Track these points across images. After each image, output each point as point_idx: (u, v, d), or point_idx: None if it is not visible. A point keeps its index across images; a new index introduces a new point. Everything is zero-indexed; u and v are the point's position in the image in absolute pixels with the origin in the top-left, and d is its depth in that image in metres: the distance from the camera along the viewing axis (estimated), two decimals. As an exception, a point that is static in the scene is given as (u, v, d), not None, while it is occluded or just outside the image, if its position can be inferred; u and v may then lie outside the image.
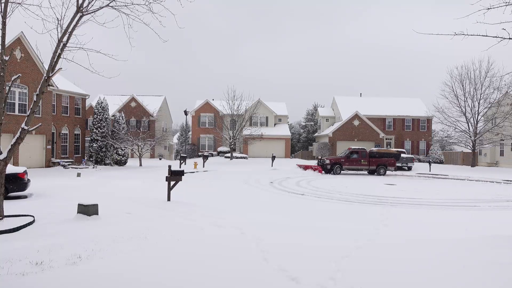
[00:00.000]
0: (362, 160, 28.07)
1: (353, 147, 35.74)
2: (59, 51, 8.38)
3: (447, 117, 37.06)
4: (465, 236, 7.48)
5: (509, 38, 6.70)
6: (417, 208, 12.03)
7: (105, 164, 29.71)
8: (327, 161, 27.75)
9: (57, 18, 8.22)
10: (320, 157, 30.98)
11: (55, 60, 8.39)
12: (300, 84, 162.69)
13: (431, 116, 42.90)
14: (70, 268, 4.95)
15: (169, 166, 12.24)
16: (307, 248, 6.20)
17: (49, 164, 25.78)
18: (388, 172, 28.43)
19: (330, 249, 6.14)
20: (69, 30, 8.37)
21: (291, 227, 8.04)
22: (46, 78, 8.41)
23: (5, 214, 8.32)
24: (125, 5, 8.44)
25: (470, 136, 36.17)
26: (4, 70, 8.21)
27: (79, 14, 8.43)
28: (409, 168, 31.11)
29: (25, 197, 12.40)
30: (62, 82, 29.39)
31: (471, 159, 36.81)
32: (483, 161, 41.25)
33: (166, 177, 11.77)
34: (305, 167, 28.92)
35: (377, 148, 35.70)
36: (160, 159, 46.70)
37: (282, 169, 28.69)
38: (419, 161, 41.45)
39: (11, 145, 8.26)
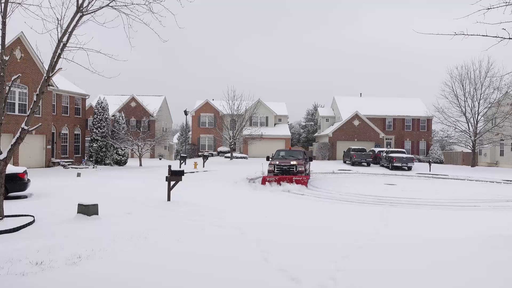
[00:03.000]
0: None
1: (352, 147, 35.80)
2: (59, 51, 8.39)
3: (447, 117, 37.03)
4: (465, 236, 7.47)
5: (509, 38, 6.70)
6: (417, 208, 12.03)
7: (105, 164, 29.71)
8: (300, 168, 17.96)
9: (57, 18, 8.22)
10: (275, 160, 18.97)
11: (55, 60, 8.39)
12: (300, 84, 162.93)
13: (431, 116, 42.89)
14: (70, 268, 4.95)
15: (169, 166, 12.24)
16: (307, 248, 6.20)
17: (49, 164, 25.78)
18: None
19: (330, 249, 6.14)
20: (69, 30, 8.37)
21: (291, 227, 8.04)
22: (46, 78, 8.41)
23: (5, 214, 8.33)
24: (125, 5, 8.45)
25: (470, 136, 36.14)
26: (4, 70, 8.21)
27: (79, 14, 8.44)
28: (409, 168, 31.09)
29: (25, 197, 12.40)
30: (62, 82, 29.38)
31: (471, 159, 36.79)
32: (483, 161, 41.24)
33: (166, 177, 11.78)
34: (267, 180, 17.11)
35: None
36: (160, 159, 46.68)
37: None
38: (419, 161, 41.44)
39: (11, 145, 8.27)
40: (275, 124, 48.15)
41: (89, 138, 30.88)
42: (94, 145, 29.74)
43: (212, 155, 44.16)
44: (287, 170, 17.90)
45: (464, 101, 36.33)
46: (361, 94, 53.12)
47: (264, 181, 17.03)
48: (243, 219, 8.83)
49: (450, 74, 37.70)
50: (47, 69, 8.42)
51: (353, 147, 35.51)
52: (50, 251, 5.65)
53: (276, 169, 18.14)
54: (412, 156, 32.49)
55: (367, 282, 4.63)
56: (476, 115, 35.88)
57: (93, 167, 26.49)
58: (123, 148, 30.60)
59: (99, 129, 30.01)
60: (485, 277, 4.85)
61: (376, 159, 35.59)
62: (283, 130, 46.80)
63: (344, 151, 38.61)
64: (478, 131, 35.74)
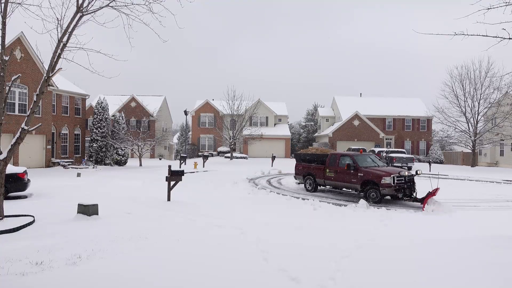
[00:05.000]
0: None
1: (352, 147, 35.79)
2: (59, 51, 8.38)
3: (447, 117, 37.04)
4: (465, 236, 7.47)
5: (509, 38, 6.70)
6: (416, 208, 12.01)
7: (105, 164, 29.69)
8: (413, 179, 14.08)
9: (57, 18, 8.22)
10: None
11: (55, 60, 8.39)
12: (300, 84, 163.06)
13: (431, 116, 42.89)
14: (70, 268, 4.94)
15: (169, 166, 12.24)
16: (307, 248, 6.19)
17: (49, 164, 25.77)
18: None
19: (330, 249, 6.14)
20: (69, 30, 8.37)
21: (291, 227, 8.04)
22: (46, 78, 8.41)
23: (5, 214, 8.32)
24: (125, 5, 8.44)
25: (470, 136, 36.14)
26: (4, 70, 8.21)
27: (79, 14, 8.44)
28: (409, 168, 31.08)
29: (25, 197, 12.40)
30: (62, 82, 29.38)
31: (471, 159, 36.79)
32: (483, 161, 41.24)
33: (166, 177, 11.77)
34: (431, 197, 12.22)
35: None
36: (160, 159, 46.68)
37: (282, 169, 28.64)
38: (419, 161, 41.45)
39: (11, 145, 8.27)
40: (275, 124, 48.14)
41: (89, 138, 30.87)
42: (94, 145, 29.73)
43: (212, 155, 44.16)
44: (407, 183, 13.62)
45: (464, 101, 36.35)
46: (361, 94, 53.16)
47: (425, 204, 12.01)
48: (242, 219, 8.82)
49: (450, 74, 37.74)
50: (47, 69, 8.42)
51: (353, 147, 35.50)
52: (50, 251, 5.64)
53: (396, 181, 13.16)
54: (412, 156, 32.49)
55: (367, 282, 4.63)
56: (476, 115, 35.89)
57: (93, 167, 26.48)
58: (123, 148, 30.59)
59: (99, 129, 30.00)
60: (485, 277, 4.85)
61: (376, 159, 35.55)
62: (283, 130, 46.80)
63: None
64: (478, 131, 35.73)
